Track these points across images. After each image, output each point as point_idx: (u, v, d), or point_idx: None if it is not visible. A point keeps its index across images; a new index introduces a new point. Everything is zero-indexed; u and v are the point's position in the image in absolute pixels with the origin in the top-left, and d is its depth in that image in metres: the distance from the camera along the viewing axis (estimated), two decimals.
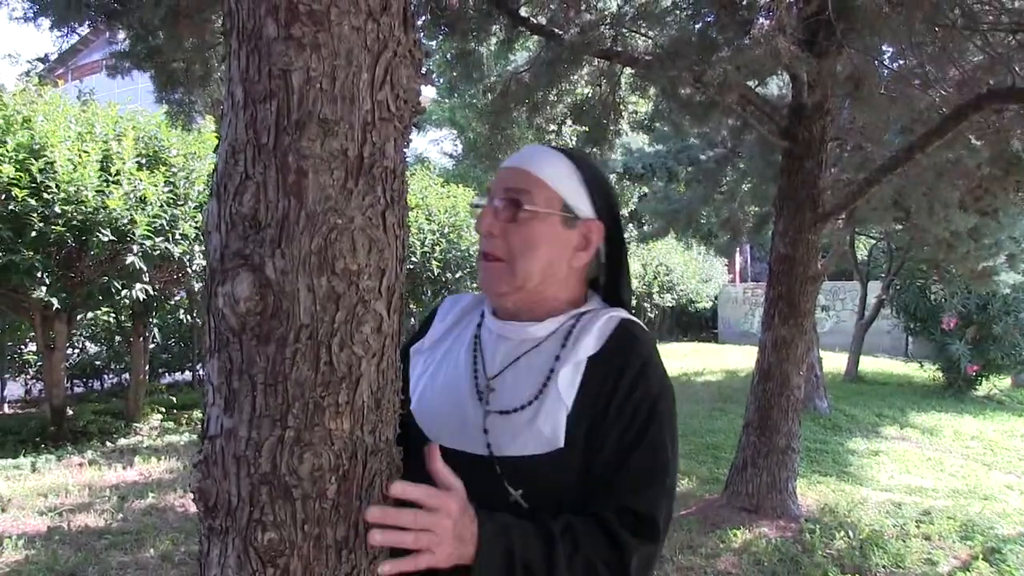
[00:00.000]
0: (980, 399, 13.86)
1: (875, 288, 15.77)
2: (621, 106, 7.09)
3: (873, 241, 15.91)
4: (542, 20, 6.23)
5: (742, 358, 17.64)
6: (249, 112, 1.13)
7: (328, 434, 1.14)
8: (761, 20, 5.06)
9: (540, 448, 1.33)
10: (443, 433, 1.40)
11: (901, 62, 6.06)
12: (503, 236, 1.43)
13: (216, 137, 9.01)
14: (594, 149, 7.14)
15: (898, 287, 15.14)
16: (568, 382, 1.37)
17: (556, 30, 5.76)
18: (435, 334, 1.60)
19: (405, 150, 1.25)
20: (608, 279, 1.56)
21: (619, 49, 5.87)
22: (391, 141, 1.19)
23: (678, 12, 5.77)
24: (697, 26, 5.64)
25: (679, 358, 18.22)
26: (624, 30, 5.88)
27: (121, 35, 6.08)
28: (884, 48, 6.09)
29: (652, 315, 22.29)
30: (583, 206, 1.45)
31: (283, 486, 1.13)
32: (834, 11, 4.33)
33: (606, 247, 1.52)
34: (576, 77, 6.77)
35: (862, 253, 16.24)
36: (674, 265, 22.32)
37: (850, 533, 5.83)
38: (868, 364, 16.28)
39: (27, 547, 5.05)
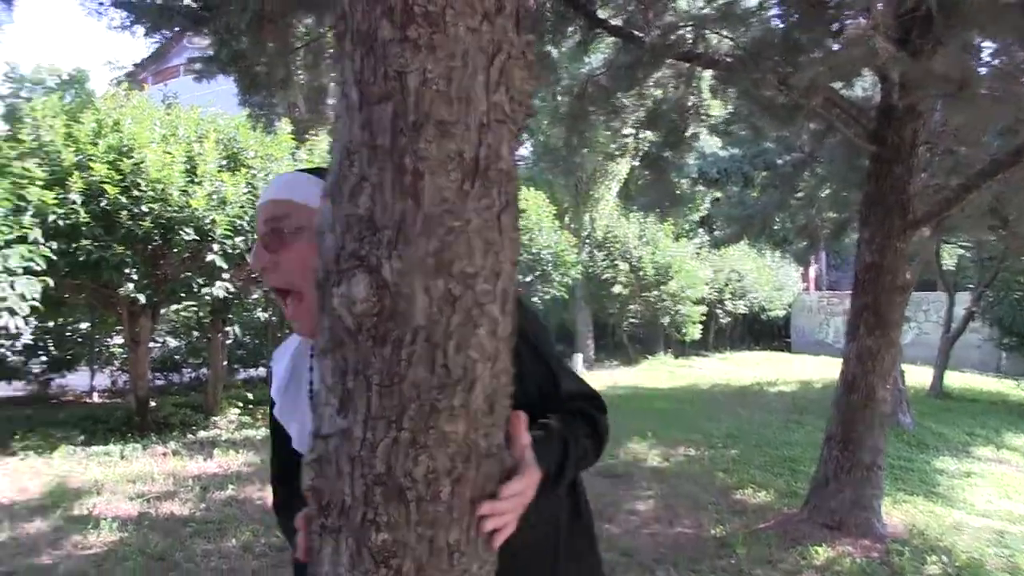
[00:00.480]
0: None
1: (963, 299, 15.02)
2: (700, 109, 6.98)
3: (961, 250, 15.30)
4: (618, 22, 6.17)
5: (817, 368, 17.20)
6: (364, 114, 1.14)
7: (443, 437, 1.14)
8: (853, 20, 4.91)
9: None
10: (300, 440, 1.57)
11: (1004, 59, 5.79)
12: (277, 268, 1.48)
13: (293, 139, 9.23)
14: (669, 153, 7.04)
15: (991, 299, 14.47)
16: None
17: (635, 32, 5.70)
18: (279, 386, 1.66)
19: (516, 152, 1.25)
20: None
21: (700, 51, 5.78)
22: (505, 143, 1.18)
23: (762, 12, 5.65)
24: (781, 26, 5.52)
25: (751, 366, 17.90)
26: (705, 31, 5.79)
27: (200, 41, 6.24)
28: (984, 45, 5.85)
29: (724, 322, 21.95)
30: None
31: (397, 488, 1.13)
32: (936, 6, 4.15)
33: None
34: (653, 80, 6.68)
35: (948, 262, 15.61)
36: (746, 272, 21.94)
37: (944, 559, 5.43)
38: (955, 379, 15.33)
39: (120, 530, 5.28)
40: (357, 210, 1.13)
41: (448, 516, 1.15)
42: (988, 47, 5.91)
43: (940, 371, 14.26)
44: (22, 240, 6.97)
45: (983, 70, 5.59)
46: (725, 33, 5.87)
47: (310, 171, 1.57)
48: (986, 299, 14.42)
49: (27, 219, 7.11)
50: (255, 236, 1.52)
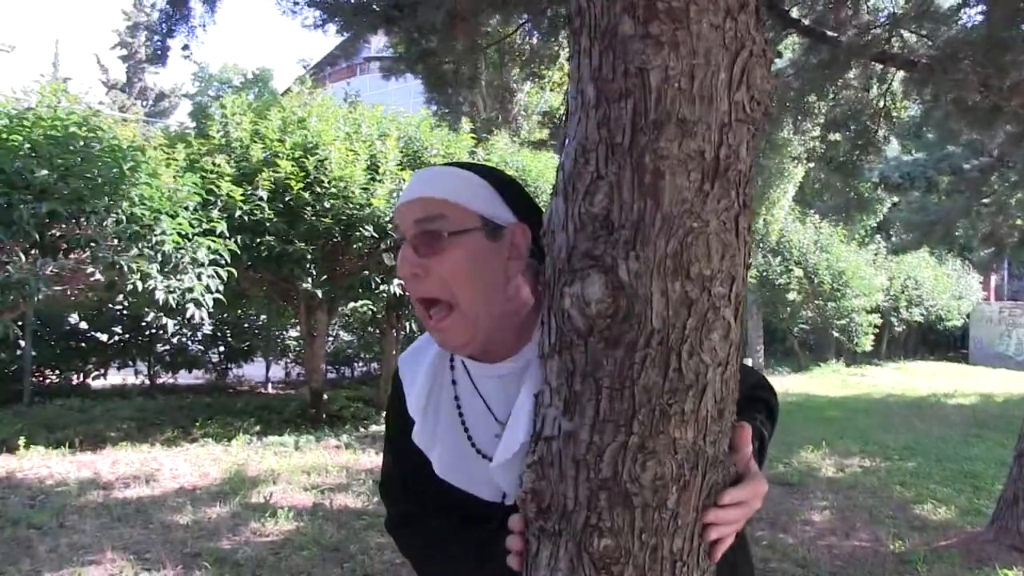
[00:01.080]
0: None
1: None
2: (891, 111, 6.69)
3: None
4: (807, 22, 5.97)
5: (998, 381, 16.33)
6: (602, 111, 1.12)
7: (672, 443, 1.10)
8: None
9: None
10: (467, 482, 1.39)
11: None
12: (428, 275, 1.31)
13: (473, 138, 9.38)
14: (857, 156, 6.77)
15: None
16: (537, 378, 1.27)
17: (828, 31, 5.51)
18: (418, 404, 1.45)
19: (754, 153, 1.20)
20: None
21: (895, 51, 5.54)
22: (744, 143, 1.14)
23: (963, 11, 5.36)
24: (984, 25, 5.20)
25: (926, 377, 17.08)
26: (900, 31, 5.53)
27: (377, 40, 6.40)
28: None
29: (898, 330, 21.02)
30: (502, 212, 1.35)
31: (623, 493, 1.11)
32: None
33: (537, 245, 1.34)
34: (843, 81, 6.44)
35: None
36: (924, 279, 20.96)
37: None
38: None
39: (296, 519, 5.47)
40: (592, 208, 1.11)
41: (673, 524, 1.12)
42: None
43: None
44: (210, 233, 7.34)
45: None
46: (922, 32, 5.59)
47: (458, 166, 1.41)
48: None
49: (215, 213, 7.48)
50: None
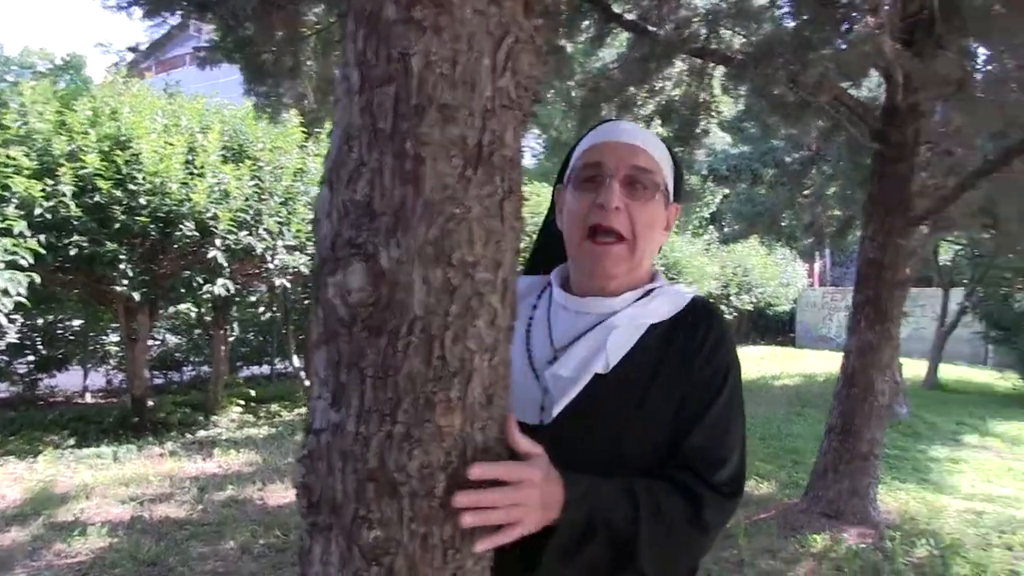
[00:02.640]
0: None
1: (956, 295, 15.33)
2: (712, 106, 6.97)
3: (956, 247, 15.48)
4: (632, 16, 6.15)
5: (820, 362, 17.41)
6: (366, 96, 1.10)
7: (438, 431, 1.10)
8: (861, 19, 4.91)
9: (580, 384, 1.39)
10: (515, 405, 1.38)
11: (995, 65, 5.85)
12: (624, 211, 1.42)
13: (302, 131, 9.14)
14: (681, 149, 7.03)
15: (981, 295, 14.71)
16: (619, 343, 1.41)
17: (649, 27, 5.69)
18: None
19: (522, 139, 1.21)
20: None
21: (713, 47, 5.78)
22: (510, 130, 1.15)
23: (775, 9, 5.64)
24: (792, 24, 5.51)
25: (756, 361, 17.96)
26: (719, 28, 5.78)
27: (207, 28, 6.16)
28: (980, 50, 5.90)
29: (729, 317, 22.02)
30: (670, 189, 1.52)
31: (390, 483, 1.09)
32: (939, 10, 4.18)
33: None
34: (665, 75, 6.67)
35: (943, 258, 15.81)
36: (753, 267, 22.01)
37: (931, 541, 5.67)
38: (948, 372, 15.85)
39: (111, 535, 5.16)
40: (355, 196, 1.09)
41: (442, 512, 1.12)
42: (984, 53, 5.96)
43: (934, 364, 14.82)
44: (6, 233, 6.76)
45: (979, 76, 5.65)
46: (738, 29, 5.86)
47: (659, 136, 1.57)
48: (977, 295, 14.64)
49: (10, 210, 6.91)
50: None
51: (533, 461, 1.20)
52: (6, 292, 6.51)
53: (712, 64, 6.50)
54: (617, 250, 1.43)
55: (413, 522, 1.10)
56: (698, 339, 1.41)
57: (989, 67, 5.98)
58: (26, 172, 7.09)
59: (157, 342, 11.76)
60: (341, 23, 1.40)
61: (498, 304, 1.14)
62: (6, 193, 6.96)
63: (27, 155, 7.26)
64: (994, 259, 13.01)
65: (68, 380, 11.48)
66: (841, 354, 6.38)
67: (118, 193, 7.44)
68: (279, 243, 8.64)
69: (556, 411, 1.39)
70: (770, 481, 7.24)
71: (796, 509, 6.27)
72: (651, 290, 1.49)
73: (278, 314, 11.66)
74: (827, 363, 16.36)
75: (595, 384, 1.39)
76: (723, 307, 21.14)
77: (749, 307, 22.27)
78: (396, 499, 1.09)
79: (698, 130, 7.15)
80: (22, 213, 6.89)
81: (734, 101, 8.18)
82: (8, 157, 7.11)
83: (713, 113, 7.36)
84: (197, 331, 11.79)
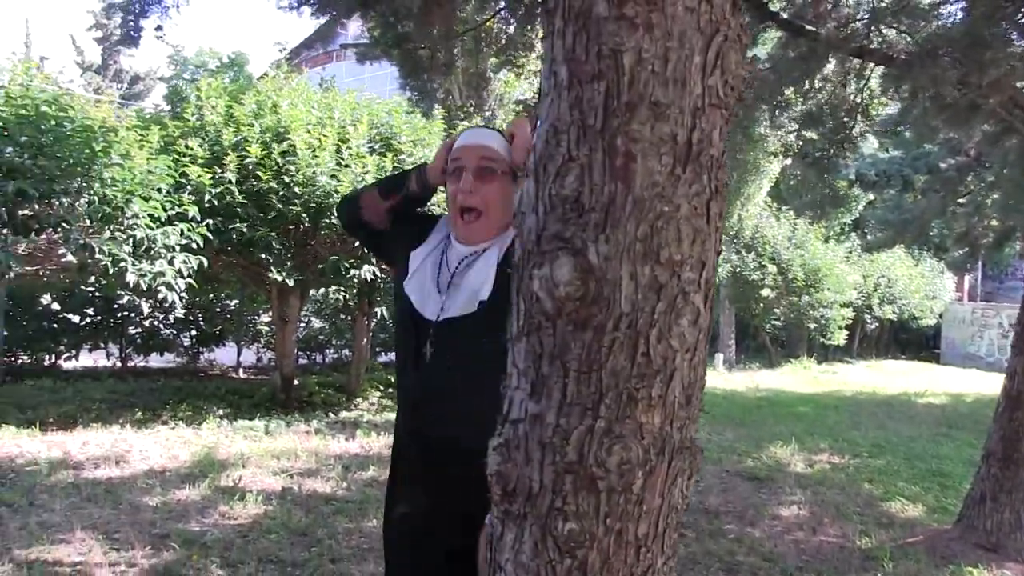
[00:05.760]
0: None
1: None
2: (869, 107, 6.68)
3: None
4: (785, 15, 5.96)
5: (968, 382, 16.39)
6: (574, 93, 1.11)
7: (639, 427, 1.10)
8: None
9: (465, 311, 1.95)
10: (421, 304, 2.04)
11: None
12: (477, 192, 1.99)
13: (444, 124, 9.33)
14: (832, 152, 6.77)
15: None
16: (487, 263, 2.00)
17: (806, 25, 5.50)
18: (432, 241, 2.16)
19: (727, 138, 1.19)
20: None
21: (874, 46, 5.53)
22: (717, 128, 1.13)
23: (944, 6, 5.37)
24: (963, 22, 5.22)
25: (897, 376, 17.17)
26: (882, 26, 5.53)
27: (353, 27, 6.33)
28: None
29: (870, 328, 21.18)
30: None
31: (589, 477, 1.10)
32: None
33: None
34: (820, 76, 6.42)
35: None
36: (897, 278, 21.07)
37: None
38: None
39: (265, 503, 5.42)
40: (562, 190, 1.10)
41: (638, 509, 1.12)
42: None
43: None
44: (182, 218, 7.23)
45: None
46: (903, 27, 5.59)
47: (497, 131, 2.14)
48: None
49: (186, 197, 7.37)
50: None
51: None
52: (181, 273, 6.96)
53: (872, 64, 6.23)
54: (477, 224, 2.02)
55: (609, 517, 1.11)
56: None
57: None
58: (200, 161, 7.55)
59: (303, 324, 12.26)
60: (547, 18, 1.41)
61: (701, 304, 1.13)
62: (183, 180, 7.41)
63: (200, 145, 7.73)
64: None
65: (224, 355, 12.30)
66: (992, 374, 6.01)
67: (275, 184, 7.80)
68: None
69: (448, 312, 1.98)
70: (916, 504, 6.82)
71: (947, 537, 5.86)
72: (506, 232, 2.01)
73: None
74: (976, 382, 15.46)
75: (472, 300, 1.96)
76: (864, 317, 20.36)
77: (892, 317, 21.35)
78: (594, 493, 1.10)
79: (853, 132, 6.87)
80: (194, 199, 7.33)
81: (887, 103, 7.81)
82: (186, 147, 7.59)
83: (870, 116, 7.06)
84: (341, 315, 12.21)
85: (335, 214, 7.93)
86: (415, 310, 2.04)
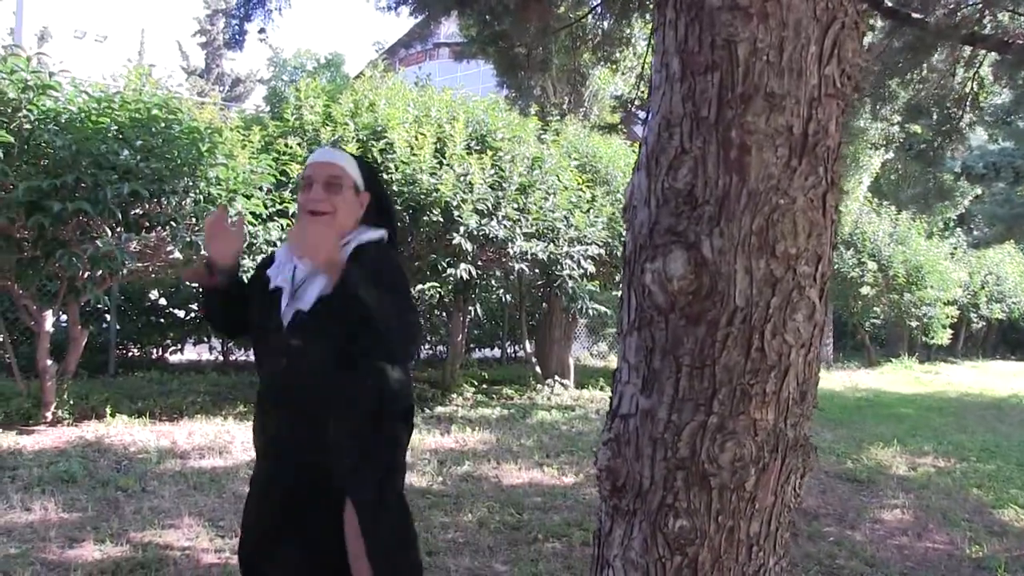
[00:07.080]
0: None
1: None
2: (979, 96, 6.41)
3: None
4: (890, 2, 5.76)
5: None
6: (687, 84, 1.09)
7: (752, 424, 1.08)
8: None
9: (305, 306, 2.21)
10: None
11: None
12: (327, 201, 2.21)
13: (540, 122, 9.33)
14: (937, 143, 6.53)
15: None
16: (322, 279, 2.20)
17: (913, 13, 5.31)
18: (278, 262, 2.39)
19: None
20: (379, 221, 2.41)
21: (987, 32, 5.31)
22: (833, 119, 1.11)
23: None
24: None
25: (1006, 377, 16.44)
26: (995, 11, 5.29)
27: (446, 27, 6.37)
28: None
29: (976, 327, 20.38)
30: (360, 184, 2.33)
31: (701, 474, 1.09)
32: None
33: (375, 204, 2.40)
34: (928, 64, 6.19)
35: None
36: (1006, 275, 20.22)
37: None
38: None
39: None
40: (675, 183, 1.09)
41: (751, 507, 1.10)
42: None
43: None
44: (282, 215, 7.42)
45: None
46: (1021, 11, 5.34)
47: (346, 152, 2.46)
48: None
49: (287, 194, 7.56)
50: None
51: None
52: None
53: (984, 52, 5.97)
54: (322, 220, 2.20)
55: (721, 515, 1.09)
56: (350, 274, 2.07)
57: None
58: (299, 159, 7.72)
59: None
60: (658, 10, 1.38)
61: (816, 299, 1.10)
62: (283, 179, 7.60)
63: (299, 144, 7.91)
64: None
65: None
66: None
67: None
68: (517, 230, 8.83)
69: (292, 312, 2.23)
70: None
71: None
72: (345, 244, 2.24)
73: (513, 299, 11.94)
74: None
75: (317, 303, 2.19)
76: (970, 316, 19.61)
77: (1000, 316, 20.50)
78: (706, 490, 1.09)
79: (962, 123, 6.60)
80: (294, 197, 7.52)
81: (999, 92, 7.47)
82: (286, 146, 7.79)
83: (980, 105, 6.77)
84: (436, 312, 12.33)
85: (432, 214, 8.05)
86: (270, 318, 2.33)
